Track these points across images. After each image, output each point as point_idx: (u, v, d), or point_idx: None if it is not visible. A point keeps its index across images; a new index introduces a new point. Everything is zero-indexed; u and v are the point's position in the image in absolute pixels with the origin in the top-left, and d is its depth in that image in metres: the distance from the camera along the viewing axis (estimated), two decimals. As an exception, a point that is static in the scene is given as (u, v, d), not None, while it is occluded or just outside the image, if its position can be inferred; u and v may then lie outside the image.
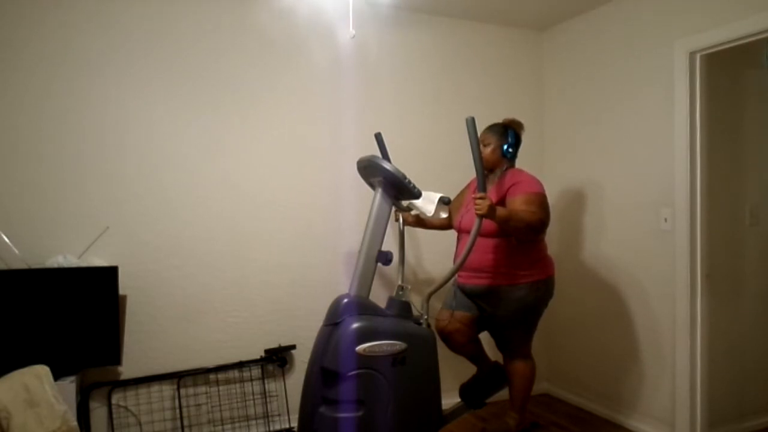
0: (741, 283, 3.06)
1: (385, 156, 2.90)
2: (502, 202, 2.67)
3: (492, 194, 2.72)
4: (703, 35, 2.72)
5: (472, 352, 2.85)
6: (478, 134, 2.77)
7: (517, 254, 2.68)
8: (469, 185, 2.99)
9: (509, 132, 2.79)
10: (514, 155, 2.82)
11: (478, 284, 2.73)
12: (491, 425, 2.92)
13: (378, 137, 2.93)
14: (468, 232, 2.68)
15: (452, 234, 2.97)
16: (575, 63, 3.53)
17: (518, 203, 2.60)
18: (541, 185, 2.72)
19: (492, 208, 2.42)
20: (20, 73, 2.60)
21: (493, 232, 2.65)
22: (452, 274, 2.52)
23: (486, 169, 2.80)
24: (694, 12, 2.78)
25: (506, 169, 2.79)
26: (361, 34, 3.22)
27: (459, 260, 2.50)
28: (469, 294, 2.79)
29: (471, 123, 2.41)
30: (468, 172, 2.77)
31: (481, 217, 2.42)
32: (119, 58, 2.77)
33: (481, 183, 2.45)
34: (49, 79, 2.65)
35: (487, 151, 2.77)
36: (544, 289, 2.76)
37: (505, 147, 2.77)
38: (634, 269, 3.14)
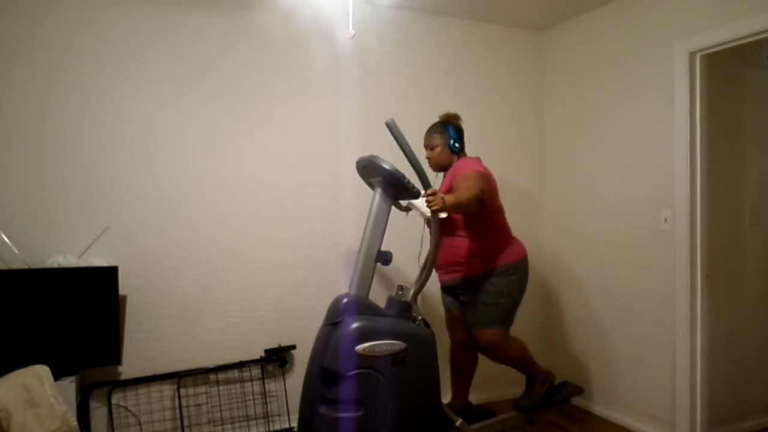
0: (741, 283, 3.05)
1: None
2: (445, 190, 2.75)
3: (445, 189, 2.78)
4: (703, 35, 2.72)
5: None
6: (426, 140, 2.88)
7: (484, 243, 2.76)
8: None
9: (449, 128, 2.86)
10: (461, 148, 2.89)
11: (454, 278, 2.83)
12: (522, 399, 2.96)
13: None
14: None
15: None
16: (575, 63, 3.53)
17: (458, 183, 2.67)
18: (477, 164, 2.78)
19: (443, 201, 2.43)
20: (21, 74, 2.60)
21: (456, 230, 2.75)
22: (428, 274, 2.56)
23: (442, 170, 2.92)
24: (694, 12, 2.78)
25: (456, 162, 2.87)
26: (361, 34, 3.22)
27: (429, 261, 2.57)
28: (449, 289, 2.89)
29: (393, 125, 2.40)
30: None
31: (437, 211, 2.45)
32: (120, 60, 2.77)
33: (425, 180, 2.47)
34: (49, 80, 2.65)
35: (435, 153, 2.86)
36: (515, 272, 2.79)
37: (452, 142, 2.85)
38: (634, 269, 3.14)
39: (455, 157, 2.88)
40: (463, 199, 2.53)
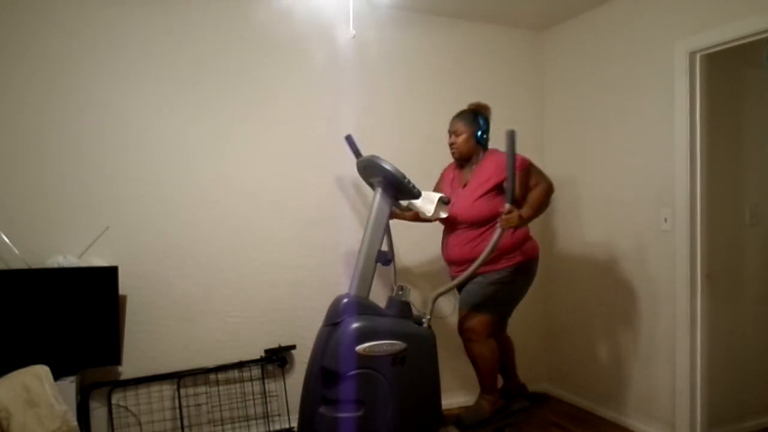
0: (741, 283, 3.05)
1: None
2: (484, 183, 2.69)
3: (474, 181, 2.74)
4: (703, 35, 2.72)
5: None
6: (453, 125, 2.81)
7: (505, 239, 2.65)
8: (442, 177, 2.99)
9: (479, 117, 2.78)
10: (487, 141, 2.83)
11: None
12: (465, 413, 2.84)
13: (348, 139, 2.92)
14: (451, 224, 2.76)
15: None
16: (575, 63, 3.53)
17: (524, 181, 2.65)
18: (521, 156, 2.67)
19: (520, 218, 2.45)
20: (21, 74, 2.60)
21: (470, 223, 2.68)
22: (463, 279, 2.56)
23: (462, 159, 2.83)
24: (694, 12, 2.78)
25: (483, 154, 2.80)
26: (361, 34, 3.22)
27: (474, 265, 2.52)
28: (462, 284, 2.81)
29: (513, 138, 2.43)
30: (468, 172, 2.76)
31: (514, 228, 2.46)
32: (119, 59, 2.77)
33: (510, 195, 2.45)
34: (49, 80, 2.65)
35: (460, 140, 2.77)
36: (526, 268, 2.75)
37: (479, 133, 2.76)
38: (634, 269, 3.14)
39: (480, 149, 2.79)
40: (542, 203, 2.59)
